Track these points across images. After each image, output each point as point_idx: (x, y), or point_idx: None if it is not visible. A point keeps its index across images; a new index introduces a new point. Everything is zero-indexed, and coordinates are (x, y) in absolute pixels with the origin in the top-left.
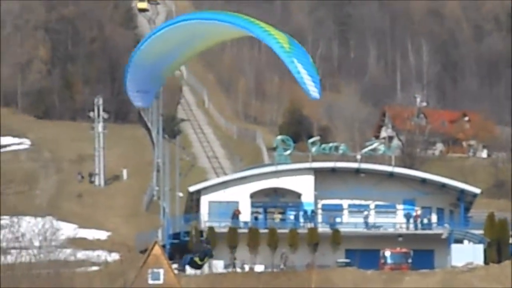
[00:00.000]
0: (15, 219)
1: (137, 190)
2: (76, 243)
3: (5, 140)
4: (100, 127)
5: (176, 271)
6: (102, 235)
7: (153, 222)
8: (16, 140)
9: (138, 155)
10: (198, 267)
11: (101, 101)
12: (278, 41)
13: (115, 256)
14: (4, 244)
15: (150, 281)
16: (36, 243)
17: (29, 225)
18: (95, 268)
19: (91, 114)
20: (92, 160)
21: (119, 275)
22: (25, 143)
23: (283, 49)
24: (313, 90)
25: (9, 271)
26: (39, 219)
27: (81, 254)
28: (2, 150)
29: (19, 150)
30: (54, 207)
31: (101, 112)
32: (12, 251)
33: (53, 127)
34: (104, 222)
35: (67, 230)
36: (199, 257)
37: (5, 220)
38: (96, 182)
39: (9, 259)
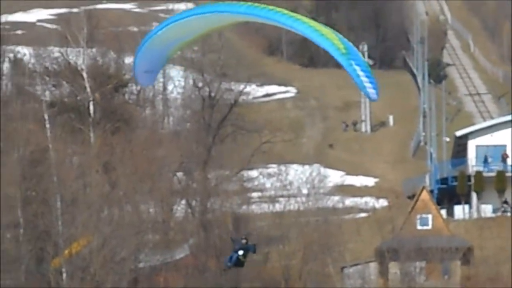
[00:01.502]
0: (282, 168)
1: (403, 136)
2: (344, 190)
3: (271, 89)
4: None
5: (444, 216)
6: (370, 181)
7: (420, 167)
8: (282, 88)
9: (404, 101)
10: (242, 264)
11: (365, 48)
12: (332, 42)
13: (383, 203)
14: (272, 193)
15: (419, 227)
16: (304, 191)
17: (297, 173)
18: (363, 214)
19: None
20: (358, 107)
21: (387, 221)
22: (291, 91)
23: (339, 51)
24: (372, 93)
25: (277, 219)
26: (306, 167)
27: (349, 201)
28: (268, 99)
29: (285, 98)
30: (321, 155)
31: (366, 59)
32: (281, 199)
33: (318, 75)
34: (371, 168)
35: (335, 177)
36: (243, 254)
37: (273, 168)
38: (363, 129)
39: (278, 207)
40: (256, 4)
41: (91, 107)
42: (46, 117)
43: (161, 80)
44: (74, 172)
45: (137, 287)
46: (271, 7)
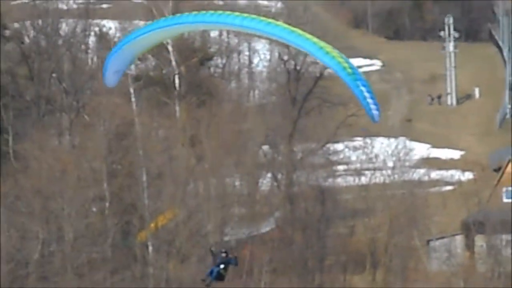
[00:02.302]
0: (368, 141)
1: (489, 108)
2: (430, 162)
3: (357, 61)
4: (451, 46)
5: None
6: (455, 154)
7: (506, 140)
8: (367, 61)
9: (490, 73)
10: (223, 278)
11: (451, 20)
12: (338, 61)
13: (468, 175)
14: (358, 166)
15: (505, 199)
16: (390, 164)
17: (382, 146)
18: (449, 187)
19: (442, 33)
20: (443, 80)
21: (473, 194)
22: (376, 64)
23: (345, 71)
24: (376, 114)
25: (363, 192)
26: (392, 140)
27: (434, 174)
28: None
29: (370, 71)
30: (407, 128)
31: (452, 31)
32: (366, 172)
33: (404, 48)
34: (457, 141)
35: (420, 150)
36: (224, 268)
37: (359, 141)
38: (448, 102)
39: (363, 180)
40: (263, 18)
41: (177, 81)
42: (131, 90)
43: (247, 53)
44: (160, 145)
45: None
46: (276, 22)
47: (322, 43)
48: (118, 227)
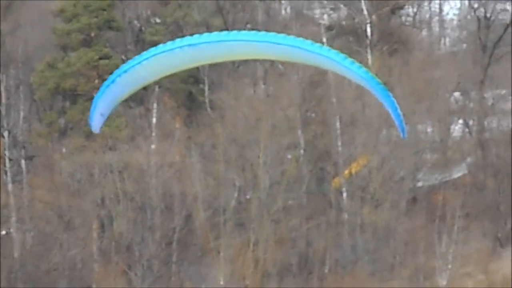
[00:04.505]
0: None
1: None
2: None
3: None
4: None
5: None
6: None
7: None
8: None
9: None
10: None
11: None
12: (372, 75)
13: None
14: None
15: None
16: None
17: None
18: None
19: None
20: None
21: None
22: None
23: (382, 86)
24: (406, 129)
25: None
26: None
27: None
28: None
29: None
30: None
31: None
32: None
33: None
34: None
35: None
36: None
37: None
38: None
39: None
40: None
41: (368, 30)
42: (324, 40)
43: (437, 1)
44: (353, 92)
45: (416, 205)
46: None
47: (348, 58)
48: (313, 173)
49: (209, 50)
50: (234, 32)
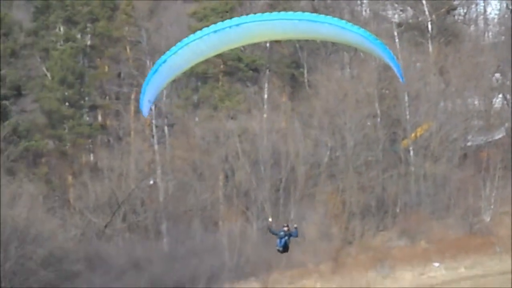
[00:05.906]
0: None
1: None
2: None
3: None
4: None
5: None
6: None
7: None
8: None
9: None
10: (287, 249)
11: None
12: (373, 35)
13: None
14: None
15: None
16: None
17: None
18: None
19: None
20: None
21: None
22: None
23: (378, 40)
24: (403, 75)
25: None
26: None
27: None
28: None
29: None
30: None
31: None
32: None
33: None
34: None
35: None
36: (288, 239)
37: None
38: None
39: None
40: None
41: (429, 26)
42: (395, 34)
43: (482, 4)
44: (417, 74)
45: (466, 160)
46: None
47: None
48: (387, 136)
49: (253, 29)
50: (274, 13)
